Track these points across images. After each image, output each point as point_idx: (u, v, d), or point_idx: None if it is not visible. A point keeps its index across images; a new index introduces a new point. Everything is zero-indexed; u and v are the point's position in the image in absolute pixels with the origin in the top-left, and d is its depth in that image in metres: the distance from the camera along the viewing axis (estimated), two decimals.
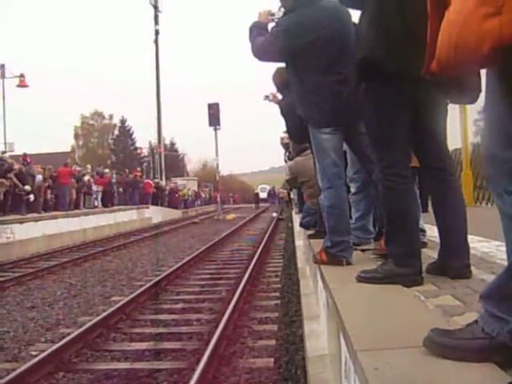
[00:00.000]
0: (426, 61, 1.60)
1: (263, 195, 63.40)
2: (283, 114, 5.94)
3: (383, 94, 2.62)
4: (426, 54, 1.60)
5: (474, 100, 2.55)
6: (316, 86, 3.54)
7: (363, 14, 2.74)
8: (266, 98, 6.66)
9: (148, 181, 31.92)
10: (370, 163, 3.59)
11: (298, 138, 5.86)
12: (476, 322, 1.57)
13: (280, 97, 6.20)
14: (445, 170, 2.82)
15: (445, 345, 1.54)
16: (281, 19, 3.67)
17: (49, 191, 18.75)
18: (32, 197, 16.45)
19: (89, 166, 26.10)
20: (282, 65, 4.55)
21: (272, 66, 5.51)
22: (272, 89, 6.21)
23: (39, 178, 17.82)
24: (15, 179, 16.03)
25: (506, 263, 1.54)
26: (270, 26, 3.72)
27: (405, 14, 2.46)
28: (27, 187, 16.37)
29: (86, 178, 22.28)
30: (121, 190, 26.63)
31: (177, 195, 38.50)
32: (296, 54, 3.55)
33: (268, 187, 73.55)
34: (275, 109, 6.17)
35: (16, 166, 16.83)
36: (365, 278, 2.75)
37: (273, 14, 3.76)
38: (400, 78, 2.53)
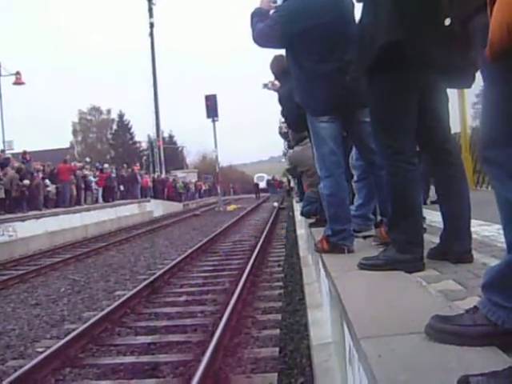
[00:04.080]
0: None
1: (262, 185, 63.10)
2: (281, 102, 5.93)
3: (396, 80, 2.56)
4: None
5: (470, 84, 2.56)
6: (314, 73, 3.53)
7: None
8: (265, 86, 6.63)
9: (145, 178, 31.97)
10: (369, 153, 3.58)
11: (296, 127, 5.85)
12: (475, 307, 1.57)
13: (278, 84, 6.18)
14: (451, 152, 2.83)
15: (445, 331, 1.55)
16: (281, 5, 3.67)
17: (49, 188, 18.77)
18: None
19: (88, 159, 26.11)
20: (280, 52, 4.54)
21: (273, 53, 5.48)
22: (270, 77, 6.20)
23: (38, 175, 17.89)
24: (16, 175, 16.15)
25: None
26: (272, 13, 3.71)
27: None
28: (26, 181, 16.44)
29: (85, 172, 22.32)
30: (121, 187, 26.61)
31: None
32: (295, 40, 3.54)
33: (266, 176, 73.14)
34: (274, 97, 6.16)
35: (15, 164, 16.94)
36: (366, 266, 2.75)
37: (275, 1, 3.75)
38: (414, 64, 2.50)
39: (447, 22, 2.24)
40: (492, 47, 1.36)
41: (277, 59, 5.44)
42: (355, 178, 4.48)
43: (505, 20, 1.28)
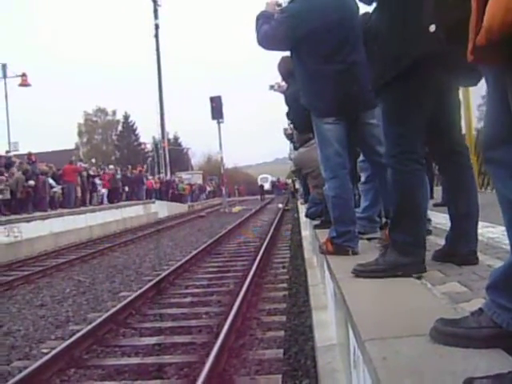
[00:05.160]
0: (470, 41, 1.38)
1: (267, 186, 62.85)
2: (288, 103, 5.93)
3: (413, 85, 2.52)
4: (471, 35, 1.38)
5: (477, 82, 2.56)
6: (319, 74, 3.53)
7: (390, 10, 2.58)
8: (272, 87, 6.66)
9: (150, 180, 32.06)
10: (374, 154, 3.59)
11: (303, 128, 5.85)
12: (480, 310, 1.57)
13: (285, 86, 6.20)
14: (463, 154, 2.83)
15: (450, 334, 1.54)
16: (285, 6, 3.68)
17: (55, 189, 18.79)
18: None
19: (93, 160, 26.15)
20: (287, 53, 4.56)
21: (276, 55, 5.48)
22: (276, 78, 6.21)
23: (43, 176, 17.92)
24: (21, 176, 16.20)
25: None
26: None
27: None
28: (31, 182, 16.49)
29: (90, 172, 22.38)
30: (126, 188, 26.62)
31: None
32: (300, 42, 3.54)
33: (270, 177, 72.87)
34: (279, 99, 6.17)
35: (24, 166, 17.02)
36: (366, 272, 2.65)
37: (280, 5, 3.77)
38: (435, 69, 2.47)
39: (432, 28, 2.22)
40: (489, 32, 1.28)
41: (284, 60, 5.44)
42: (363, 179, 4.47)
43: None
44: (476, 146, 10.87)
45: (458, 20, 1.54)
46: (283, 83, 6.20)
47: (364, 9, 3.44)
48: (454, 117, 2.87)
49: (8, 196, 15.60)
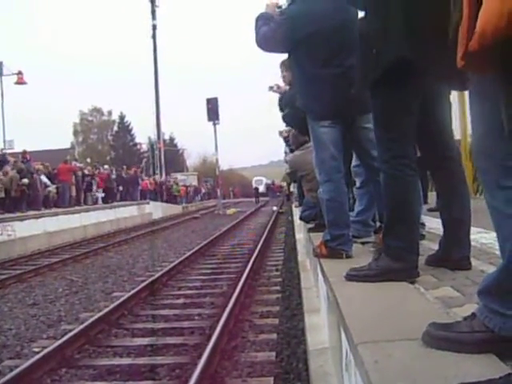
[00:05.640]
0: (462, 47, 1.39)
1: (261, 188, 62.49)
2: (282, 103, 5.91)
3: (400, 90, 2.53)
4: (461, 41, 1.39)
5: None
6: (316, 77, 3.53)
7: (376, 13, 2.63)
8: (271, 88, 6.62)
9: (145, 181, 32.06)
10: (369, 158, 3.59)
11: (302, 130, 5.84)
12: (473, 315, 1.58)
13: (284, 87, 6.18)
14: (453, 159, 2.83)
15: (443, 338, 1.55)
16: (285, 9, 3.68)
17: (49, 188, 18.75)
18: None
19: (88, 160, 26.12)
20: None
21: (275, 58, 5.47)
22: (276, 80, 6.19)
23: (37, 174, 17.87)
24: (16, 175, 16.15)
25: None
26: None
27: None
28: (25, 180, 16.44)
29: (85, 172, 22.35)
30: (120, 187, 26.58)
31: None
32: (298, 44, 3.54)
33: (264, 179, 72.52)
34: (275, 102, 6.15)
35: (18, 163, 16.99)
36: (358, 277, 2.65)
37: (280, 7, 3.77)
38: (419, 76, 2.48)
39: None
40: (482, 36, 1.28)
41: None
42: (358, 184, 4.47)
43: (505, 8, 1.23)
44: (471, 151, 10.85)
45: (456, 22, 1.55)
46: (283, 84, 6.19)
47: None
48: (444, 121, 2.86)
49: (2, 194, 15.56)
